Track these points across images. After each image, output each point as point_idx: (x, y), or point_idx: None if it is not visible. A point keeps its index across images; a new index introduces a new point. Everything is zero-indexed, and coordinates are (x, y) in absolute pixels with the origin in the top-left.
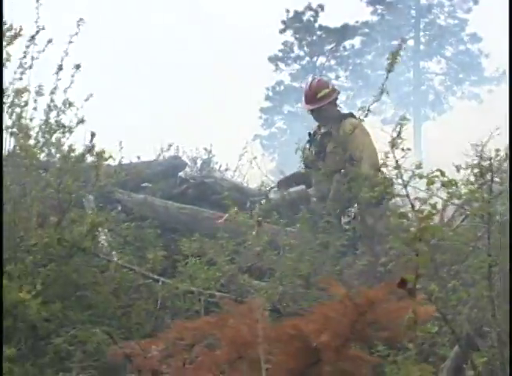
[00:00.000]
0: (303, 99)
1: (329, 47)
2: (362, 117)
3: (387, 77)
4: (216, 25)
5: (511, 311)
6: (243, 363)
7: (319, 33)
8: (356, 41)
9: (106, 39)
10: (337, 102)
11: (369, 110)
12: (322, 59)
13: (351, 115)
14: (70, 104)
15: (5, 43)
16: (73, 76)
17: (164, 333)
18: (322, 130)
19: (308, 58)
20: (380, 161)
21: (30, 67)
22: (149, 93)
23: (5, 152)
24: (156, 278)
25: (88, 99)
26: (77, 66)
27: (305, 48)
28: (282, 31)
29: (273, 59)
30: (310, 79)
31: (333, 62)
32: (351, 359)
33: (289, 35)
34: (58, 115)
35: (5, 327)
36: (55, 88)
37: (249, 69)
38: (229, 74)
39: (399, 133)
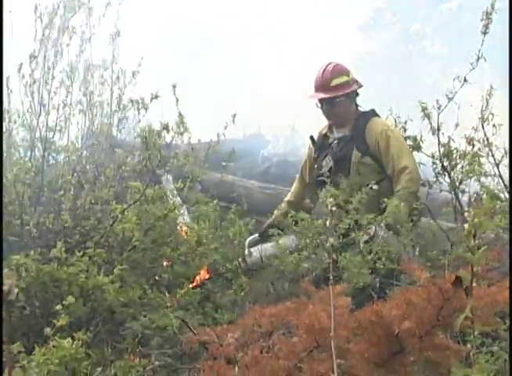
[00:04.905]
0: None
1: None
2: (456, 90)
3: (483, 41)
4: None
5: (511, 310)
6: (321, 352)
7: None
8: (454, 4)
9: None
10: (357, 99)
11: (465, 80)
12: (416, 26)
13: (374, 113)
14: (134, 74)
15: (69, 15)
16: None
17: (241, 319)
18: (337, 134)
19: (400, 24)
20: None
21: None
22: (226, 66)
23: (80, 132)
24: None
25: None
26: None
27: (397, 14)
28: None
29: (363, 28)
30: (325, 63)
31: (428, 28)
32: (438, 348)
33: (380, 1)
34: (123, 89)
35: (84, 312)
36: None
37: (335, 38)
38: (314, 44)
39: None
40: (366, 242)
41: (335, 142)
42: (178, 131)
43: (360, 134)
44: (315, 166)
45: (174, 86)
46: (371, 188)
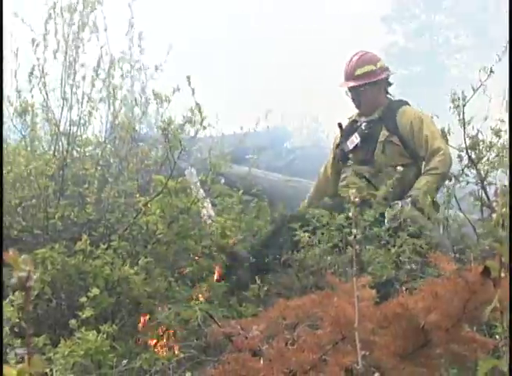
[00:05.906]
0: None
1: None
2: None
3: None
4: None
5: (511, 308)
6: (346, 344)
7: None
8: None
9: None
10: (388, 88)
11: (492, 71)
12: (440, 17)
13: (407, 103)
14: (157, 68)
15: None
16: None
17: (266, 312)
18: (365, 118)
19: (424, 16)
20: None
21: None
22: (250, 59)
23: (103, 126)
24: None
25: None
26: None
27: (421, 5)
28: None
29: (387, 20)
30: (356, 52)
31: (453, 19)
32: (464, 341)
33: None
34: (145, 82)
35: (109, 304)
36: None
37: (358, 31)
38: (337, 36)
39: None
40: (392, 219)
41: (363, 123)
42: (198, 125)
43: (391, 116)
44: (340, 148)
45: (188, 77)
46: (396, 170)
